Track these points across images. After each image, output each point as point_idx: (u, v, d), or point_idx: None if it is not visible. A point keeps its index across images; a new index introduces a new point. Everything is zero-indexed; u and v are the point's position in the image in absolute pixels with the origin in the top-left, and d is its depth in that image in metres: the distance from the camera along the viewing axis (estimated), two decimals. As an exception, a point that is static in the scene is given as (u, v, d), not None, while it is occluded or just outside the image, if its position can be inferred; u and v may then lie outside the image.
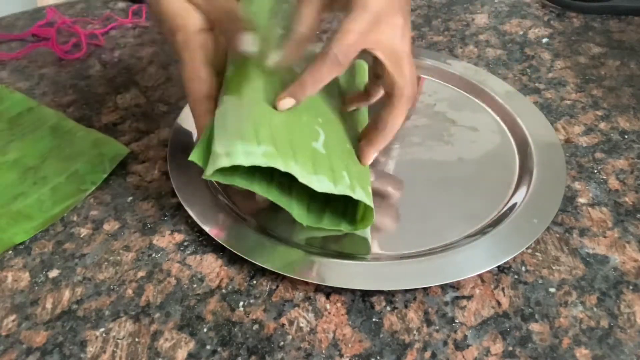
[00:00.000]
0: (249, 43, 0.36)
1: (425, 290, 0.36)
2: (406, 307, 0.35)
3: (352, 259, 0.37)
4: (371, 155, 0.39)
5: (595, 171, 0.45)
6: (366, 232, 0.39)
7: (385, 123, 0.38)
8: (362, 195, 0.36)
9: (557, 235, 0.40)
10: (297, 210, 0.38)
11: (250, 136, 0.34)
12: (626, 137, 0.48)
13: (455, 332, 0.34)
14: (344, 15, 0.36)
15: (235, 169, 0.35)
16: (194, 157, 0.36)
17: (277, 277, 0.36)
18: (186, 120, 0.48)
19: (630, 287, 0.36)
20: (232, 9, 0.37)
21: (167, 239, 0.39)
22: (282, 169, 0.34)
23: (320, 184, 0.35)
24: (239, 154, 0.33)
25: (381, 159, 0.45)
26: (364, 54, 0.37)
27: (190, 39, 0.37)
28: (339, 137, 0.39)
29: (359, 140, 0.40)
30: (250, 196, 0.42)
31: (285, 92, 0.36)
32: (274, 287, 0.36)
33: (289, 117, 0.37)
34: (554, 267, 0.37)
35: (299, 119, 0.37)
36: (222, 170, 0.34)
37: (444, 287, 0.36)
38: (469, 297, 0.35)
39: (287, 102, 0.36)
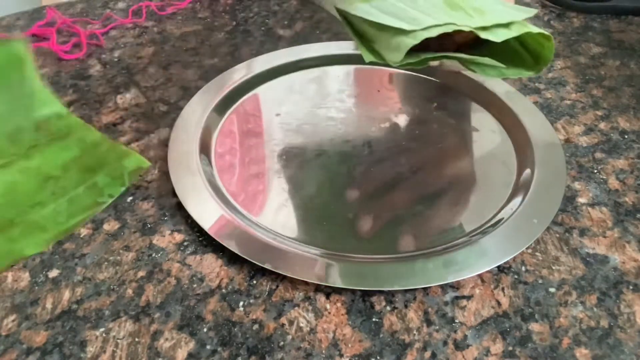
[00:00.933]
0: None
1: (425, 290, 0.36)
2: (406, 307, 0.35)
3: (352, 259, 0.37)
4: None
5: (595, 171, 0.45)
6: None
7: None
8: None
9: (557, 235, 0.40)
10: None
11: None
12: (626, 137, 0.48)
13: (455, 332, 0.34)
14: None
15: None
16: (370, 58, 0.37)
17: (277, 277, 0.36)
18: (186, 120, 0.48)
19: (630, 287, 0.36)
20: None
21: (167, 239, 0.39)
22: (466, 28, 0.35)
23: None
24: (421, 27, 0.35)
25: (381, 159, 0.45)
26: None
27: None
28: None
29: None
30: (250, 195, 0.42)
31: None
32: (274, 287, 0.36)
33: None
34: (554, 267, 0.37)
35: None
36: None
37: (444, 287, 0.36)
38: (469, 297, 0.35)
39: None
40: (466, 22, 0.35)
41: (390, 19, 0.36)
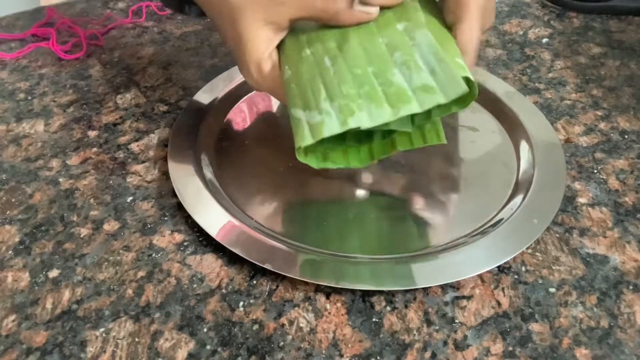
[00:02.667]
0: (366, 8, 0.36)
1: (425, 290, 0.36)
2: (406, 307, 0.35)
3: (352, 259, 0.37)
4: None
5: (595, 171, 0.45)
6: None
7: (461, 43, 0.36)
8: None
9: (557, 235, 0.40)
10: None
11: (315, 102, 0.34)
12: (626, 137, 0.48)
13: (455, 332, 0.34)
14: (462, 21, 0.36)
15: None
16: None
17: (277, 277, 0.36)
18: (186, 120, 0.48)
19: (630, 287, 0.36)
20: None
21: (167, 239, 0.39)
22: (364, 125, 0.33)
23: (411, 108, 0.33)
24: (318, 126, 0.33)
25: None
26: None
27: (265, 67, 0.37)
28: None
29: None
30: (250, 195, 0.42)
31: None
32: (274, 287, 0.36)
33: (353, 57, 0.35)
34: (554, 267, 0.37)
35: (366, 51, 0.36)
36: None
37: (444, 287, 0.36)
38: (469, 297, 0.35)
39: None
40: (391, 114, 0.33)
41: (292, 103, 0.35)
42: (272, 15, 0.36)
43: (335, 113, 0.33)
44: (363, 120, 0.33)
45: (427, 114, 0.36)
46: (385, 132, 0.39)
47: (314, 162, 0.38)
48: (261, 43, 0.37)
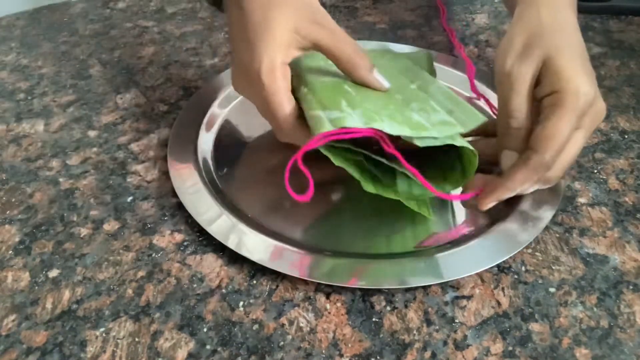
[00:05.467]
0: (382, 79, 0.38)
1: (425, 290, 0.36)
2: (406, 307, 0.35)
3: (352, 258, 0.37)
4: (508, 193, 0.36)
5: (595, 171, 0.45)
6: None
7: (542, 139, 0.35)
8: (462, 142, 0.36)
9: (557, 235, 0.40)
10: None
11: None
12: (626, 137, 0.48)
13: (455, 332, 0.34)
14: (552, 111, 0.35)
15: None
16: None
17: (277, 276, 0.36)
18: (186, 120, 0.48)
19: (630, 287, 0.36)
20: (358, 46, 0.38)
21: (167, 239, 0.39)
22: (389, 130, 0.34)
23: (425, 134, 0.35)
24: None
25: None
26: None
27: (277, 68, 0.36)
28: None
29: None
30: (250, 195, 0.42)
31: (486, 195, 0.36)
32: (274, 287, 0.36)
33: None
34: (553, 267, 0.37)
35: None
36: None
37: (443, 287, 0.36)
38: (469, 297, 0.35)
39: (488, 203, 0.36)
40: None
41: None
42: (303, 26, 0.36)
43: (357, 115, 0.34)
44: (385, 127, 0.34)
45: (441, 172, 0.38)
46: (395, 172, 0.39)
47: (332, 156, 0.37)
48: (283, 44, 0.36)
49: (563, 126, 0.35)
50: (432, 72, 0.47)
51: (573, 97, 0.35)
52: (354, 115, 0.34)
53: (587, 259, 0.38)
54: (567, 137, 0.35)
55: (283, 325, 0.34)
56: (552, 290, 0.36)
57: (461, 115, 0.36)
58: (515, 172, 0.35)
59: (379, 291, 0.36)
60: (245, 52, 0.37)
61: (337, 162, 0.36)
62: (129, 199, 0.42)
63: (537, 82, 0.37)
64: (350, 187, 0.43)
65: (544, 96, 0.36)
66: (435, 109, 0.36)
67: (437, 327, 0.34)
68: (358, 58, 0.37)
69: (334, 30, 0.37)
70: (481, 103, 0.49)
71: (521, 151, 0.36)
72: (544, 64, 0.36)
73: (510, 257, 0.37)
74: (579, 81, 0.35)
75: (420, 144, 0.35)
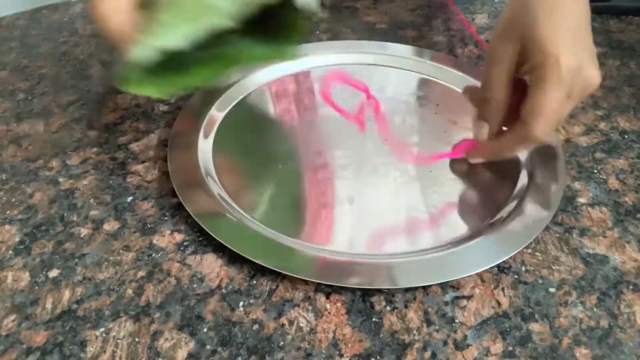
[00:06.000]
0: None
1: (425, 290, 0.36)
2: (406, 307, 0.35)
3: (352, 258, 0.37)
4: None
5: (595, 171, 0.45)
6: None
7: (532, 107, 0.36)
8: None
9: (557, 235, 0.40)
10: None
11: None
12: (626, 137, 0.48)
13: (455, 332, 0.34)
14: (537, 85, 0.36)
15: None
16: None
17: (277, 276, 0.36)
18: (186, 120, 0.48)
19: (630, 287, 0.36)
20: None
21: (167, 239, 0.39)
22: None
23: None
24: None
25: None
26: None
27: None
28: None
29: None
30: (250, 194, 0.42)
31: (475, 153, 0.39)
32: (274, 287, 0.36)
33: None
34: (553, 267, 0.37)
35: None
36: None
37: (443, 287, 0.36)
38: (469, 297, 0.35)
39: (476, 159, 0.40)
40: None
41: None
42: None
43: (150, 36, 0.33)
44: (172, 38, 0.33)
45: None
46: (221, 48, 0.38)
47: (153, 92, 0.36)
48: None
49: (547, 100, 0.35)
50: None
51: (553, 69, 0.35)
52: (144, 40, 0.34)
53: (587, 259, 0.38)
54: (555, 108, 0.36)
55: (283, 325, 0.34)
56: (552, 290, 0.36)
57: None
58: (505, 141, 0.39)
59: (379, 291, 0.36)
60: None
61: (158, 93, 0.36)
62: (129, 199, 0.42)
63: (524, 57, 0.37)
64: (351, 187, 0.43)
65: (530, 71, 0.37)
66: None
67: (437, 327, 0.34)
68: None
69: None
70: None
71: (495, 123, 0.40)
72: (526, 38, 0.36)
73: (510, 257, 0.37)
74: (559, 52, 0.35)
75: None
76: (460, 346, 0.33)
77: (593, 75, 0.37)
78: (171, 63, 0.35)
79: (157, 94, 0.36)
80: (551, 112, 0.36)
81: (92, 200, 0.42)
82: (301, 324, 0.34)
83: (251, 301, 0.35)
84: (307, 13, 0.35)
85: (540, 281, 0.37)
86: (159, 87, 0.36)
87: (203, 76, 0.36)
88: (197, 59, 0.35)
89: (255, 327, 0.34)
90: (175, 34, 0.33)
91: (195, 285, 0.36)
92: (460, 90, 0.52)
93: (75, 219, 0.41)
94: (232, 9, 0.34)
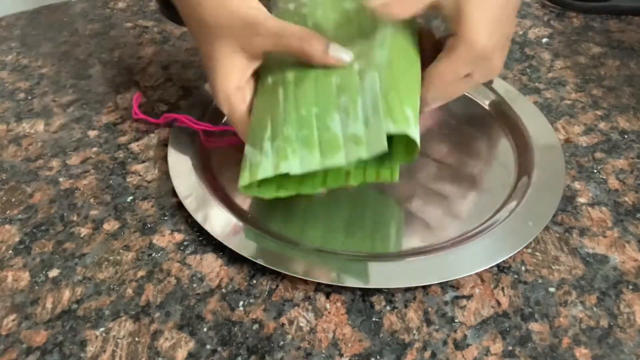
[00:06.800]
0: (341, 54, 0.37)
1: (425, 289, 0.36)
2: (406, 306, 0.35)
3: (351, 257, 0.37)
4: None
5: (595, 171, 0.45)
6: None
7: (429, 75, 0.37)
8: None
9: (557, 235, 0.40)
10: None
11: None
12: (626, 137, 0.48)
13: (455, 331, 0.34)
14: (445, 52, 0.36)
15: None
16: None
17: (277, 276, 0.36)
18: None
19: (630, 287, 0.36)
20: (305, 32, 0.37)
21: (167, 238, 0.39)
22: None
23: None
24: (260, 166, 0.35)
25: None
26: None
27: (231, 96, 0.38)
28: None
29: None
30: (250, 195, 0.42)
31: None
32: (274, 286, 0.36)
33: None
34: (553, 267, 0.37)
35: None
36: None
37: (443, 287, 0.36)
38: (468, 297, 0.35)
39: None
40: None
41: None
42: (246, 44, 0.37)
43: (272, 155, 0.35)
44: (293, 166, 0.35)
45: (379, 159, 0.37)
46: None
47: (266, 193, 0.38)
48: (233, 71, 0.38)
49: (448, 72, 0.36)
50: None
51: (467, 46, 0.35)
52: (269, 156, 0.35)
53: (587, 258, 0.38)
54: (451, 81, 0.37)
55: (283, 325, 0.34)
56: (552, 290, 0.36)
57: (373, 131, 0.35)
58: None
59: (379, 291, 0.36)
60: (209, 79, 0.39)
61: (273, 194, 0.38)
62: (129, 198, 0.42)
63: (443, 12, 0.37)
64: (352, 188, 0.43)
65: (449, 34, 0.37)
66: (357, 114, 0.35)
67: (437, 327, 0.34)
68: (307, 46, 0.37)
69: (275, 33, 0.37)
70: None
71: None
72: (457, 4, 0.36)
73: (510, 257, 0.37)
74: (479, 32, 0.35)
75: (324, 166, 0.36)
76: (460, 346, 0.33)
77: (497, 66, 0.37)
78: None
79: (268, 196, 0.38)
80: (445, 83, 0.37)
81: (92, 200, 0.42)
82: (301, 324, 0.34)
83: (251, 301, 0.35)
84: (414, 147, 0.36)
85: (540, 281, 0.37)
86: (270, 192, 0.38)
87: (312, 186, 0.38)
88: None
89: (255, 326, 0.34)
90: (301, 165, 0.35)
91: (195, 285, 0.36)
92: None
93: (75, 218, 0.41)
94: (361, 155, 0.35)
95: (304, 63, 0.37)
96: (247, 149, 0.37)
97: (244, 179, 0.36)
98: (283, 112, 0.37)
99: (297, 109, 0.36)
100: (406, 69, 0.38)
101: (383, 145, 0.33)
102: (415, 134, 0.35)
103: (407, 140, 0.35)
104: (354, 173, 0.38)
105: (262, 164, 0.35)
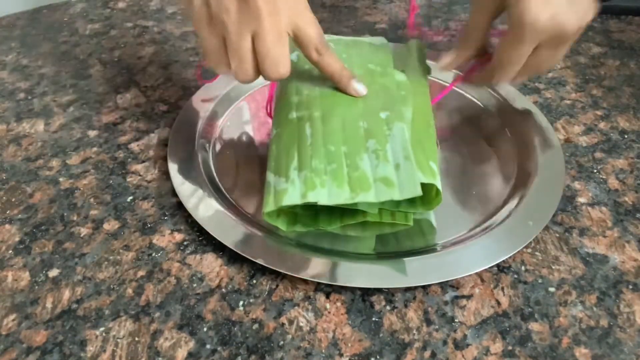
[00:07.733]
0: (360, 87, 0.40)
1: (425, 289, 0.36)
2: (406, 306, 0.35)
3: (352, 257, 0.37)
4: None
5: (595, 171, 0.45)
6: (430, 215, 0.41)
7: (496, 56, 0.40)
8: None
9: (557, 235, 0.40)
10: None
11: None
12: (626, 136, 0.48)
13: (455, 331, 0.34)
14: (504, 37, 0.39)
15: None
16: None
17: (277, 276, 0.36)
18: (186, 120, 0.48)
19: (630, 287, 0.36)
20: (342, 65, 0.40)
21: (167, 238, 0.39)
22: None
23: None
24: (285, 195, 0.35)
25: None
26: None
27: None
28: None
29: None
30: (250, 194, 0.42)
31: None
32: (273, 286, 0.36)
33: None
34: (553, 267, 0.37)
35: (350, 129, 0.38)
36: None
37: (443, 287, 0.36)
38: (468, 297, 0.35)
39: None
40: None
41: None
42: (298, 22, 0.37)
43: (299, 184, 0.36)
44: (321, 197, 0.35)
45: (397, 203, 0.37)
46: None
47: (284, 225, 0.38)
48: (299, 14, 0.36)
49: (506, 55, 0.39)
50: (423, 61, 0.47)
51: (518, 29, 0.37)
52: (296, 185, 0.35)
53: (587, 258, 0.38)
54: (513, 61, 0.39)
55: (283, 324, 0.34)
56: (551, 290, 0.36)
57: (404, 176, 0.35)
58: (475, 76, 0.45)
59: (379, 291, 0.36)
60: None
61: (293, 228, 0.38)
62: (129, 198, 0.42)
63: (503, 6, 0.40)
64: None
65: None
66: (387, 158, 0.36)
67: (437, 327, 0.34)
68: (340, 69, 0.40)
69: (324, 41, 0.38)
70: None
71: (461, 56, 0.43)
72: None
73: (510, 257, 0.37)
74: (525, 6, 0.37)
75: (362, 207, 0.36)
76: (460, 346, 0.33)
77: (567, 21, 0.37)
78: (307, 205, 0.37)
79: (287, 228, 0.38)
80: (510, 64, 0.40)
81: (92, 200, 0.42)
82: (301, 324, 0.34)
83: (251, 301, 0.35)
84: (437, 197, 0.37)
85: (540, 281, 0.37)
86: (290, 224, 0.38)
87: (329, 223, 0.38)
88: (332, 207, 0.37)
89: (255, 326, 0.34)
90: (329, 197, 0.35)
91: (195, 285, 0.36)
92: (459, 90, 0.53)
93: (75, 218, 0.41)
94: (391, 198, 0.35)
95: (329, 99, 0.40)
96: (270, 176, 0.37)
97: (269, 205, 0.36)
98: (311, 146, 0.37)
99: (325, 145, 0.37)
100: (425, 128, 0.40)
101: (417, 191, 0.34)
102: (440, 186, 0.36)
103: (425, 191, 0.36)
104: (370, 213, 0.38)
105: (289, 192, 0.35)
